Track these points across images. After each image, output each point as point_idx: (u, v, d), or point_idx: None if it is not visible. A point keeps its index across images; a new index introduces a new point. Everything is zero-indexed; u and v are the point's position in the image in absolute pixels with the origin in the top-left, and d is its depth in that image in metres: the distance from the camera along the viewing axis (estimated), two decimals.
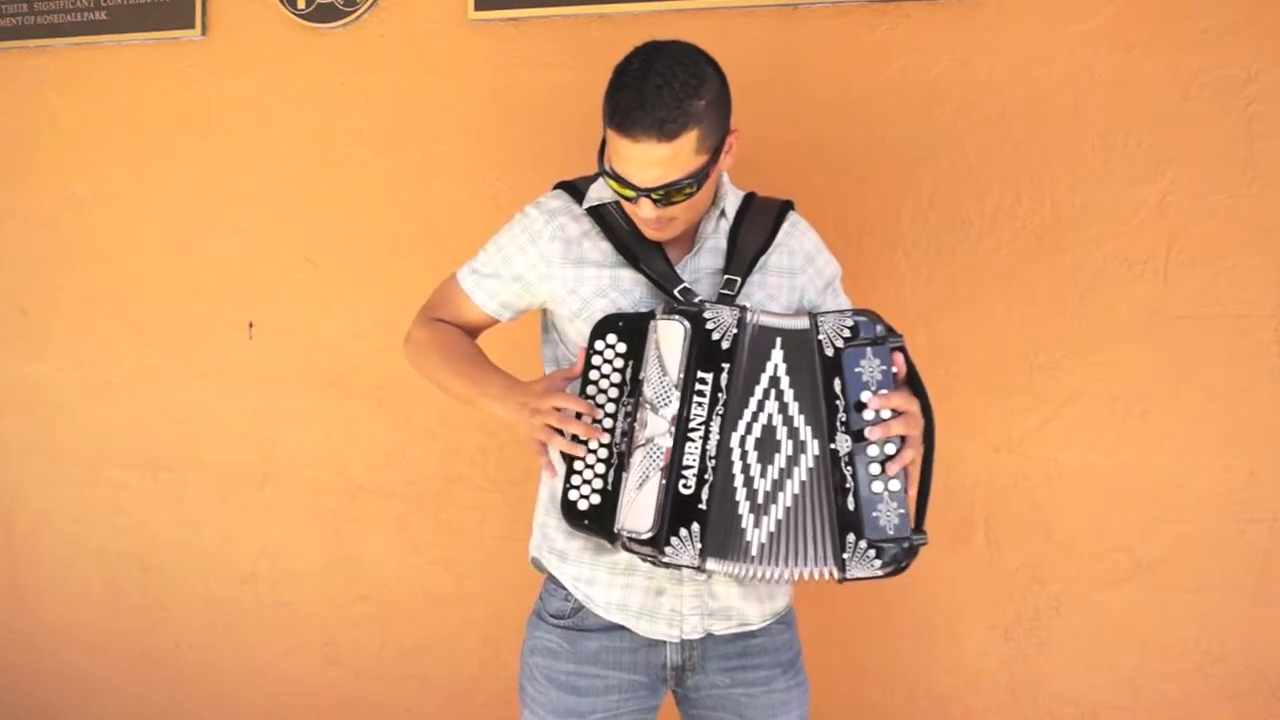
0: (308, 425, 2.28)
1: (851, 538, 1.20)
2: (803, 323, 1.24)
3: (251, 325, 2.31)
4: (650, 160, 1.22)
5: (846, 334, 1.22)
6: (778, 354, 1.23)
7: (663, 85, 1.19)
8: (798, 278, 1.41)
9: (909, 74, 1.82)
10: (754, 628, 1.38)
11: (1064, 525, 1.80)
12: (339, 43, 2.18)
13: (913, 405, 1.22)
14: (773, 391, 1.22)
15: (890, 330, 1.23)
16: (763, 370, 1.23)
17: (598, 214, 1.37)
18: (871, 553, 1.20)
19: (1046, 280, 1.78)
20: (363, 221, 2.20)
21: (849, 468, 1.21)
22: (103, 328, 2.43)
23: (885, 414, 1.21)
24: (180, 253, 2.35)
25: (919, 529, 1.23)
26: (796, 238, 1.42)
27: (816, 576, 1.22)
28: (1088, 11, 1.73)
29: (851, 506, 1.21)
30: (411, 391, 2.13)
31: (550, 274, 1.37)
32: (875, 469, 1.20)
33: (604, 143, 1.28)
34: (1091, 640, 1.80)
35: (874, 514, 1.20)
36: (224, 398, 2.34)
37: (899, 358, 1.23)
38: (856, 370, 1.21)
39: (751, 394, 1.22)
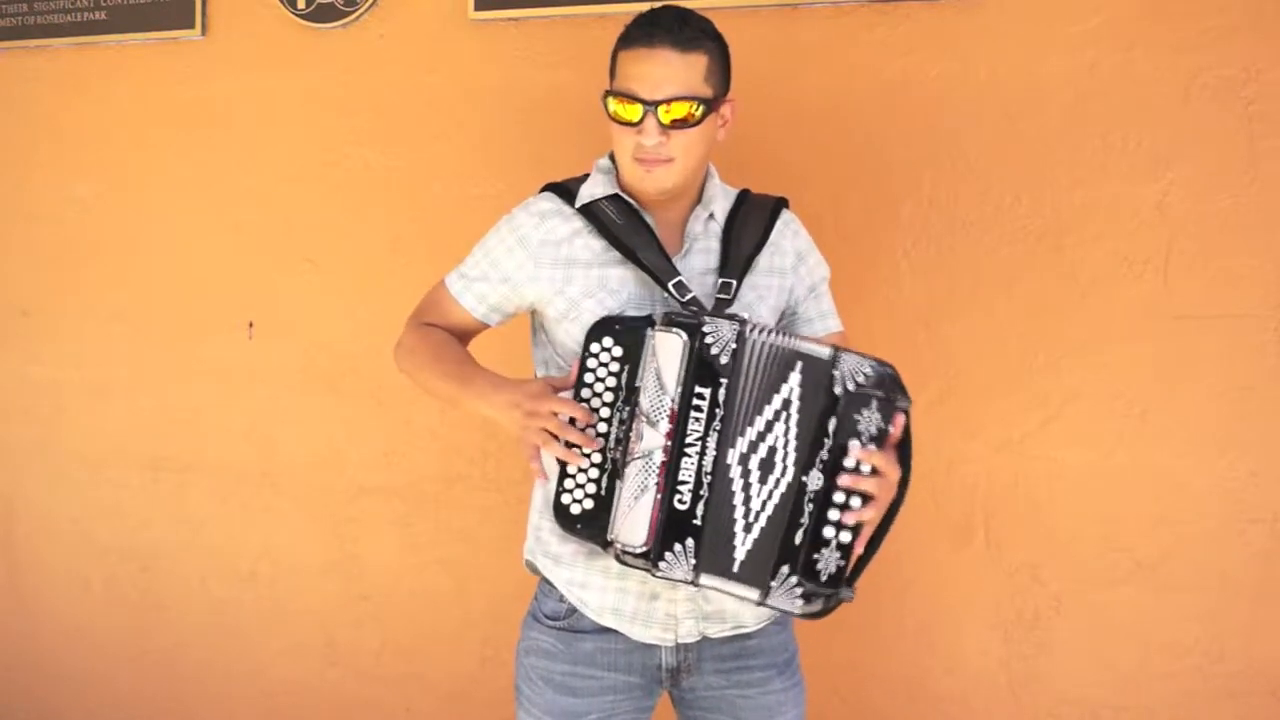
0: (308, 425, 2.28)
1: (785, 569, 1.21)
2: (825, 351, 1.21)
3: (251, 325, 2.31)
4: (664, 67, 1.26)
5: (861, 379, 1.19)
6: (795, 377, 1.20)
7: (677, 13, 1.29)
8: (787, 277, 1.41)
9: (909, 74, 1.82)
10: (749, 629, 1.38)
11: (1064, 525, 1.80)
12: (339, 43, 2.18)
13: (893, 473, 1.21)
14: (784, 414, 1.21)
15: (904, 392, 1.20)
16: (777, 391, 1.21)
17: (590, 212, 1.36)
18: (798, 590, 1.21)
19: (1046, 280, 1.78)
20: (363, 221, 2.20)
21: (810, 505, 1.20)
22: (103, 328, 2.43)
23: (865, 469, 1.19)
24: (180, 253, 2.35)
25: (850, 584, 1.22)
26: (789, 237, 1.42)
27: (742, 595, 1.23)
28: (1088, 11, 1.73)
29: (797, 541, 1.20)
30: (411, 391, 2.10)
31: (538, 275, 1.36)
32: (834, 514, 1.19)
33: (608, 95, 1.31)
34: (1091, 640, 1.80)
35: (815, 556, 1.20)
36: (224, 398, 2.33)
37: (900, 421, 1.21)
38: (855, 417, 1.19)
39: (761, 413, 1.21)
